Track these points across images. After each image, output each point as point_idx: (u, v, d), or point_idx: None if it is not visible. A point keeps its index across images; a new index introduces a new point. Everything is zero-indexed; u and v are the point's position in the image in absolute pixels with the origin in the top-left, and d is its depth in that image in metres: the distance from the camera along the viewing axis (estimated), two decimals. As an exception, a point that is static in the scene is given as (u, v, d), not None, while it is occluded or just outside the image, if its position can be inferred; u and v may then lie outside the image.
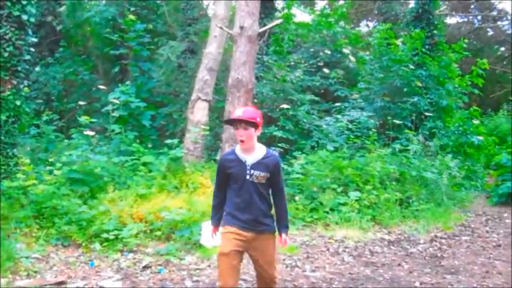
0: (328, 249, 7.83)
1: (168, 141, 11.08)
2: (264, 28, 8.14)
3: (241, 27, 7.75)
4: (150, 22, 16.57)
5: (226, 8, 12.42)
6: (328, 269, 6.81)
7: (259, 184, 3.97)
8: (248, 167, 3.95)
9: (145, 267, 6.54)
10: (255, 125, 3.90)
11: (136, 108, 12.90)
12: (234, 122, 3.94)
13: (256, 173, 3.95)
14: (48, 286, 5.78)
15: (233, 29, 8.06)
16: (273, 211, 4.14)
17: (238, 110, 4.02)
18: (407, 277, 6.51)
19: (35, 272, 6.16)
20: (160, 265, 6.63)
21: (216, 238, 4.24)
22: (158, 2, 17.95)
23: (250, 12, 7.86)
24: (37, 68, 15.65)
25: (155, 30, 16.67)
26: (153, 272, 6.42)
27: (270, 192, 4.09)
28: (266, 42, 14.77)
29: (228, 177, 4.05)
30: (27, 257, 6.42)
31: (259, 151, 4.01)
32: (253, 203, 3.98)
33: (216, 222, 4.21)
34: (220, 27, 10.25)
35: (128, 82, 13.69)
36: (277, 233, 4.13)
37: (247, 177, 3.95)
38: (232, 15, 12.43)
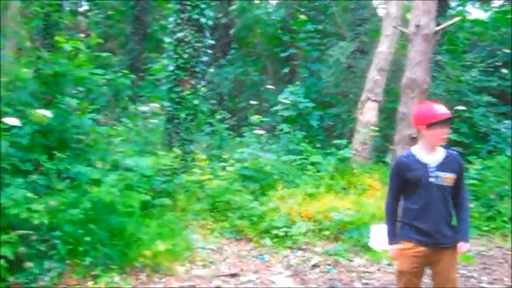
0: (506, 261, 7.27)
1: (336, 141, 11.05)
2: (441, 26, 7.75)
3: (417, 26, 7.45)
4: (320, 23, 16.67)
5: (398, 7, 12.08)
6: (506, 282, 6.32)
7: (445, 187, 3.66)
8: (432, 169, 3.66)
9: (314, 265, 6.57)
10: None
11: (304, 109, 13.06)
12: (443, 121, 3.66)
13: (442, 174, 3.64)
14: (222, 277, 6.03)
15: (407, 28, 7.79)
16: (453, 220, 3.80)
17: (437, 107, 3.73)
18: None
19: (210, 262, 6.46)
20: (329, 265, 6.62)
21: (386, 242, 4.02)
22: (327, 2, 18.00)
23: (426, 11, 7.54)
24: (211, 69, 16.47)
25: (324, 31, 16.72)
26: (322, 271, 6.43)
27: (453, 196, 3.75)
28: (440, 41, 14.13)
29: (406, 182, 3.74)
30: (203, 248, 6.78)
31: (439, 151, 3.73)
32: (435, 210, 3.65)
33: (396, 238, 3.83)
34: (395, 27, 10.00)
35: (297, 83, 13.90)
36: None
37: (432, 179, 3.64)
38: (404, 14, 12.08)
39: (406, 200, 3.81)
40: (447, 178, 3.66)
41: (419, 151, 3.76)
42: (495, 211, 8.91)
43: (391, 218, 3.89)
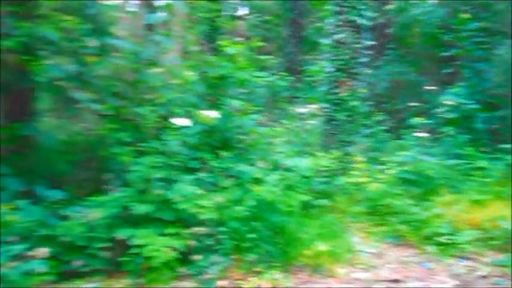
0: None
1: (504, 145, 10.33)
2: None
3: None
4: (483, 21, 15.71)
5: None
6: None
7: None
8: None
9: (482, 276, 6.17)
10: None
11: (468, 111, 12.38)
12: None
13: None
14: (384, 282, 5.88)
15: None
16: None
17: None
18: None
19: (371, 266, 6.33)
20: (498, 276, 6.18)
21: None
22: (491, 1, 16.94)
23: None
24: (369, 70, 16.19)
25: (488, 29, 15.73)
26: (490, 282, 6.02)
27: None
28: None
29: None
30: (363, 251, 6.67)
31: None
32: None
33: None
34: None
35: (459, 83, 13.24)
36: None
37: None
38: None
39: None
40: None
41: None
42: None
43: None
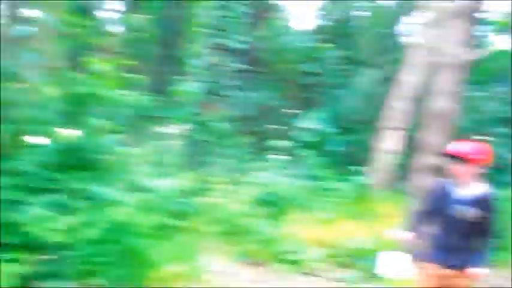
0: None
1: (357, 168, 11.08)
2: (470, 57, 7.77)
3: (447, 55, 7.50)
4: (346, 50, 16.74)
5: (428, 36, 12.15)
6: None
7: (469, 222, 3.80)
8: (459, 204, 3.82)
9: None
10: (472, 161, 3.78)
11: (325, 134, 13.12)
12: (451, 156, 3.85)
13: (467, 210, 3.79)
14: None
15: (436, 57, 7.84)
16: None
17: (456, 144, 3.96)
18: None
19: (222, 286, 6.53)
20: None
21: (396, 269, 4.16)
22: (354, 30, 18.09)
23: (457, 40, 7.59)
24: (236, 93, 16.58)
25: (350, 58, 16.79)
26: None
27: (479, 230, 3.87)
28: (467, 70, 14.13)
29: (432, 206, 3.99)
30: (216, 271, 6.86)
31: (474, 187, 3.84)
32: (458, 241, 3.84)
33: (409, 233, 4.02)
34: (422, 56, 10.07)
35: (318, 108, 13.99)
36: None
37: (456, 214, 3.81)
38: (433, 44, 12.07)
39: (434, 225, 4.01)
40: (472, 214, 3.79)
41: (454, 184, 3.89)
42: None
43: (414, 222, 4.09)
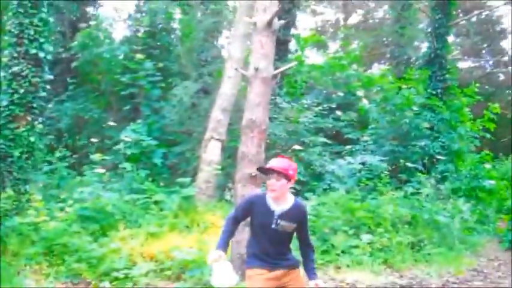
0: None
1: (180, 179, 11.06)
2: (279, 70, 8.13)
3: (256, 69, 7.75)
4: (163, 61, 16.72)
5: (241, 49, 12.56)
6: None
7: (284, 233, 4.00)
8: (276, 217, 3.96)
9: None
10: (286, 177, 3.92)
11: (147, 147, 12.96)
12: (266, 171, 3.98)
13: (283, 223, 3.96)
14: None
15: (248, 71, 8.09)
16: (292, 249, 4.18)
17: (272, 160, 4.05)
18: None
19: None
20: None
21: (228, 278, 4.17)
22: (173, 42, 18.19)
23: (265, 54, 7.88)
24: (50, 105, 15.75)
25: (169, 70, 16.83)
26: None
27: (295, 236, 4.12)
28: (279, 83, 14.91)
29: (251, 217, 4.08)
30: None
31: (288, 201, 4.03)
32: (276, 248, 4.02)
33: (222, 247, 4.02)
34: (236, 69, 10.34)
35: (139, 121, 13.80)
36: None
37: (273, 226, 3.96)
38: (246, 57, 12.58)
39: (253, 234, 4.13)
40: (287, 226, 3.98)
41: (270, 198, 4.01)
42: (329, 244, 9.42)
43: (226, 231, 4.11)
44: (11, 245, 7.37)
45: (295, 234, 4.10)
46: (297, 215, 4.00)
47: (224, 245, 4.03)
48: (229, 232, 4.12)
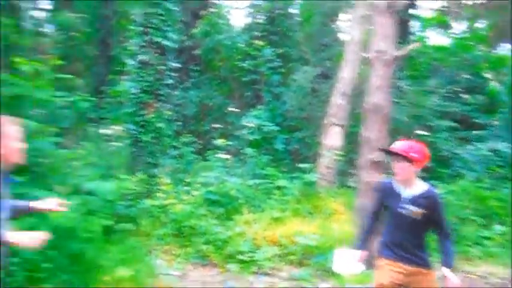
0: (471, 285, 7.31)
1: (302, 165, 11.03)
2: (400, 52, 7.84)
3: (377, 51, 7.53)
4: (283, 47, 16.73)
5: (361, 32, 12.26)
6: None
7: (413, 220, 3.82)
8: (403, 201, 3.84)
9: (281, 291, 6.48)
10: (408, 159, 3.78)
11: (269, 132, 13.06)
12: (389, 154, 3.91)
13: (411, 207, 3.81)
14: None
15: (368, 53, 7.87)
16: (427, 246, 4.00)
17: (395, 143, 3.95)
18: None
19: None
20: (295, 290, 6.54)
21: (351, 265, 4.11)
22: (292, 28, 18.14)
23: (386, 36, 7.61)
24: (176, 92, 16.31)
25: (288, 55, 16.81)
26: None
27: (428, 228, 3.92)
28: (401, 66, 14.39)
29: (384, 205, 4.02)
30: (167, 274, 6.62)
31: (418, 186, 3.87)
32: (406, 237, 3.88)
33: (361, 246, 4.10)
34: (357, 52, 10.11)
35: (260, 106, 13.93)
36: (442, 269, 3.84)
37: (402, 211, 3.83)
38: (366, 40, 12.26)
39: (386, 222, 4.05)
40: (416, 212, 3.80)
41: (397, 182, 3.93)
42: (458, 235, 8.96)
43: (364, 227, 4.22)
44: (143, 226, 7.73)
45: (430, 228, 3.89)
46: (427, 201, 3.80)
47: (363, 245, 4.09)
48: (369, 230, 4.16)
